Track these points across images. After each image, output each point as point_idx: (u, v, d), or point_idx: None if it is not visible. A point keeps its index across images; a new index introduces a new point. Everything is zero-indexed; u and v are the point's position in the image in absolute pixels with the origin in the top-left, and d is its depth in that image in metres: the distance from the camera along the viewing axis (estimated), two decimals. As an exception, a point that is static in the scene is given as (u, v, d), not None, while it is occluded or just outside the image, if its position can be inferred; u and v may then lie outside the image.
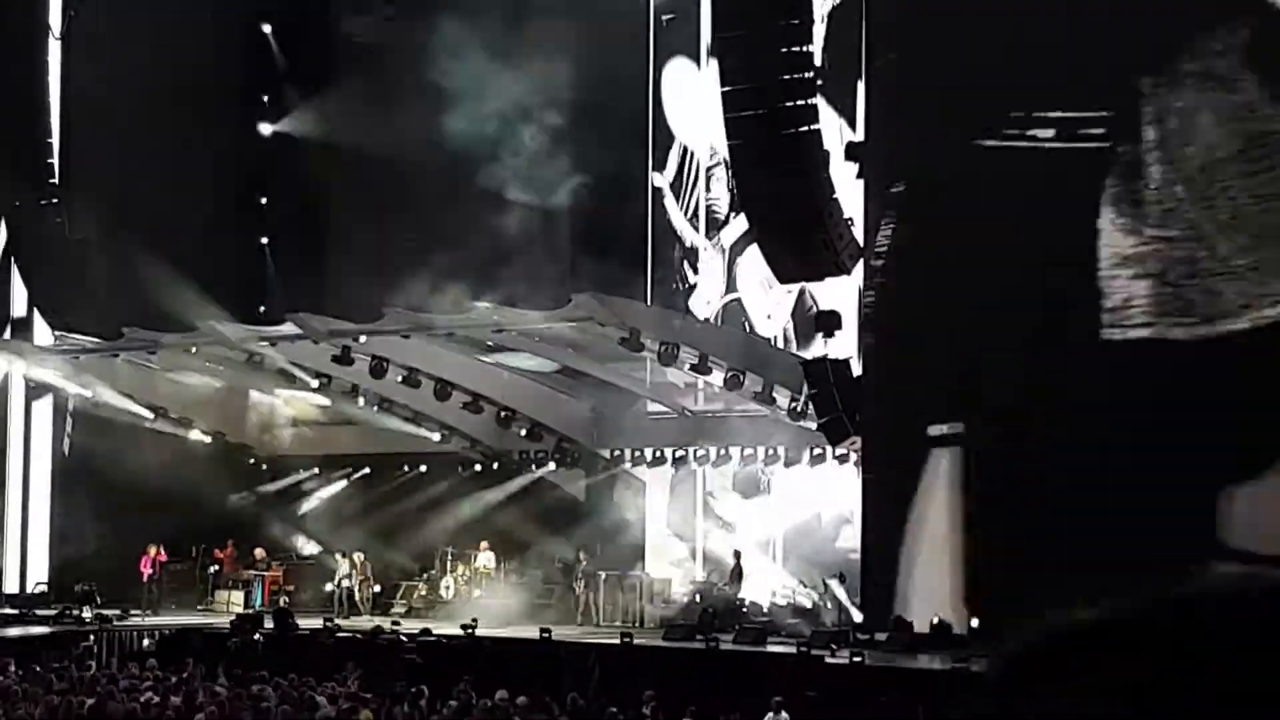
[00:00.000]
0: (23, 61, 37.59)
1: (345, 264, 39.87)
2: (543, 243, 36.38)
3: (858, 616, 29.89)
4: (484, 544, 36.36)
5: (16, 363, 37.60)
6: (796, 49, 27.81)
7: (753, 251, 31.88)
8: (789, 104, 27.66)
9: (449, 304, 32.93)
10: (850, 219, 28.72)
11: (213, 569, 38.19)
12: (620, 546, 35.47)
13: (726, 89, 28.06)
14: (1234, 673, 1.12)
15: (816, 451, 32.30)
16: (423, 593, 36.74)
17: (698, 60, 36.19)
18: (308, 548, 38.97)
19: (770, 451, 33.60)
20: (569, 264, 36.14)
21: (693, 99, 35.81)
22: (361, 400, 36.85)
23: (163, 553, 36.66)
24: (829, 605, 31.15)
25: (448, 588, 36.08)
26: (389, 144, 38.21)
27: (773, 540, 34.22)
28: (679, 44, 36.85)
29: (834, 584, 31.15)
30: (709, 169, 36.21)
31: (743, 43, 28.14)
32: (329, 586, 36.21)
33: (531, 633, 30.77)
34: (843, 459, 31.47)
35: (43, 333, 37.79)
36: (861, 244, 28.76)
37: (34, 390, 38.28)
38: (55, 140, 37.47)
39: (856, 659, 26.12)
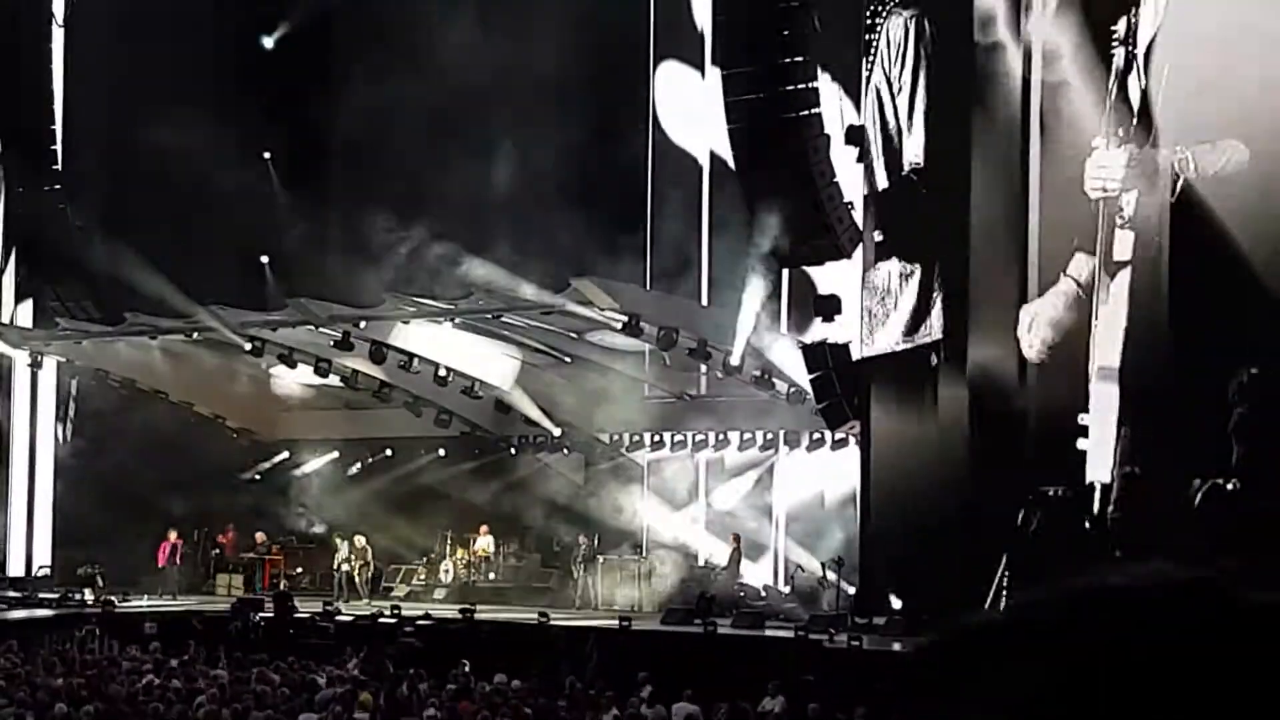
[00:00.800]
0: (27, 49, 37.30)
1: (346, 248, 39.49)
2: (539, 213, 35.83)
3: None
4: (483, 528, 36.35)
5: (19, 347, 37.27)
6: (795, 33, 27.51)
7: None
8: (789, 87, 27.36)
9: (453, 285, 32.64)
10: (850, 203, 28.33)
11: (214, 552, 37.94)
12: (619, 531, 35.15)
13: (727, 74, 27.74)
14: (1121, 672, 1.07)
15: (816, 436, 32.15)
16: (422, 576, 36.51)
17: (701, 65, 35.81)
18: (309, 531, 38.52)
19: (769, 436, 33.42)
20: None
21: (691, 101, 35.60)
22: (360, 385, 36.55)
23: (180, 540, 36.73)
24: (827, 589, 30.79)
25: (447, 571, 35.94)
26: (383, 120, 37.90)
27: (773, 524, 33.93)
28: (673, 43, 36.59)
29: (832, 567, 30.77)
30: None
31: (742, 27, 27.83)
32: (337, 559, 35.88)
33: (529, 616, 30.59)
34: (841, 443, 31.24)
35: (44, 317, 37.40)
36: (861, 227, 28.39)
37: (37, 374, 37.86)
38: (59, 129, 37.18)
39: (854, 643, 25.93)
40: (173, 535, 36.73)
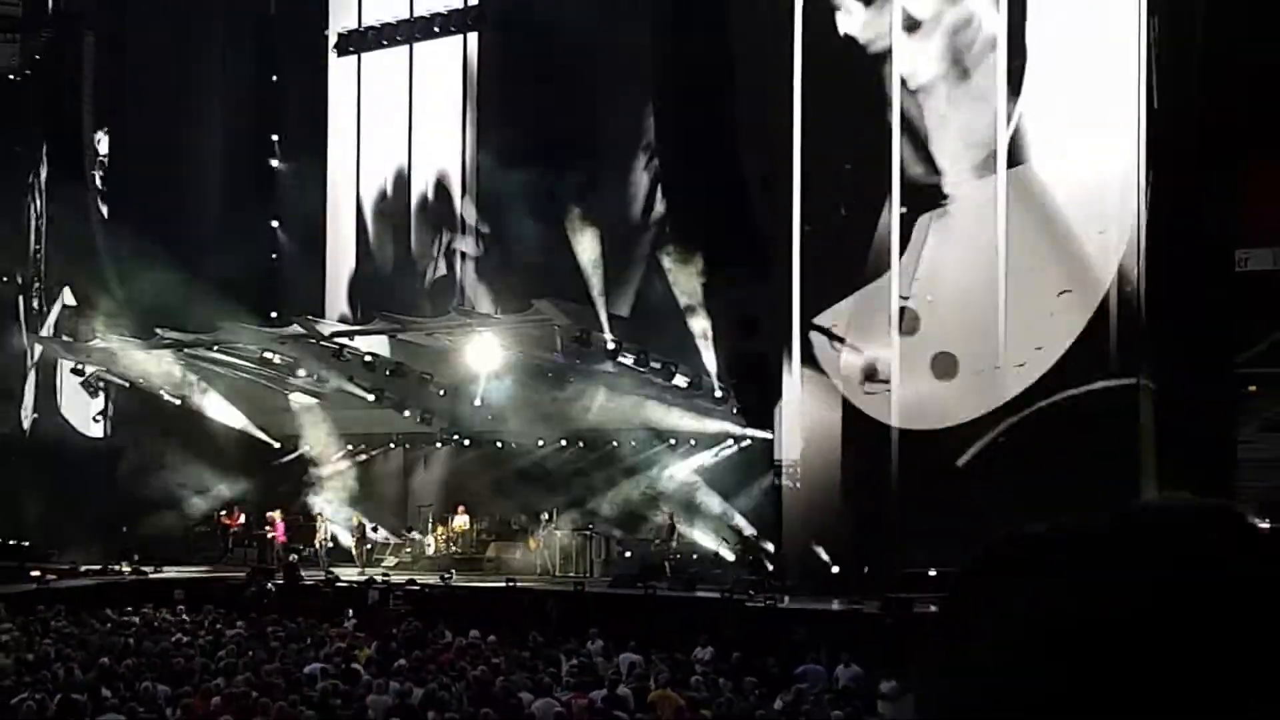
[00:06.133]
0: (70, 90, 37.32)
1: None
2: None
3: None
4: (460, 508, 36.21)
5: (64, 358, 37.13)
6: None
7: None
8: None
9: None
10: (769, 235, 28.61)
11: (233, 531, 37.72)
12: (579, 510, 34.92)
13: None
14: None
15: (738, 433, 32.15)
16: (408, 549, 36.43)
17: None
18: (314, 509, 38.28)
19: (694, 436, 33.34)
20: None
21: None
22: (357, 389, 36.44)
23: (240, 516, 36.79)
24: (750, 557, 30.83)
25: (429, 545, 35.87)
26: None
27: (704, 503, 33.78)
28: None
29: (753, 538, 30.84)
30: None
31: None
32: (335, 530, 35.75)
33: (499, 582, 30.61)
34: (760, 440, 31.21)
35: (86, 330, 37.23)
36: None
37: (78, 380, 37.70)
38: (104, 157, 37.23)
39: (771, 601, 26.01)
40: (237, 511, 36.85)
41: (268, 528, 36.40)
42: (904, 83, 27.29)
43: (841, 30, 27.94)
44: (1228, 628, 0.98)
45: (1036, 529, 1.08)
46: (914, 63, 27.27)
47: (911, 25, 27.25)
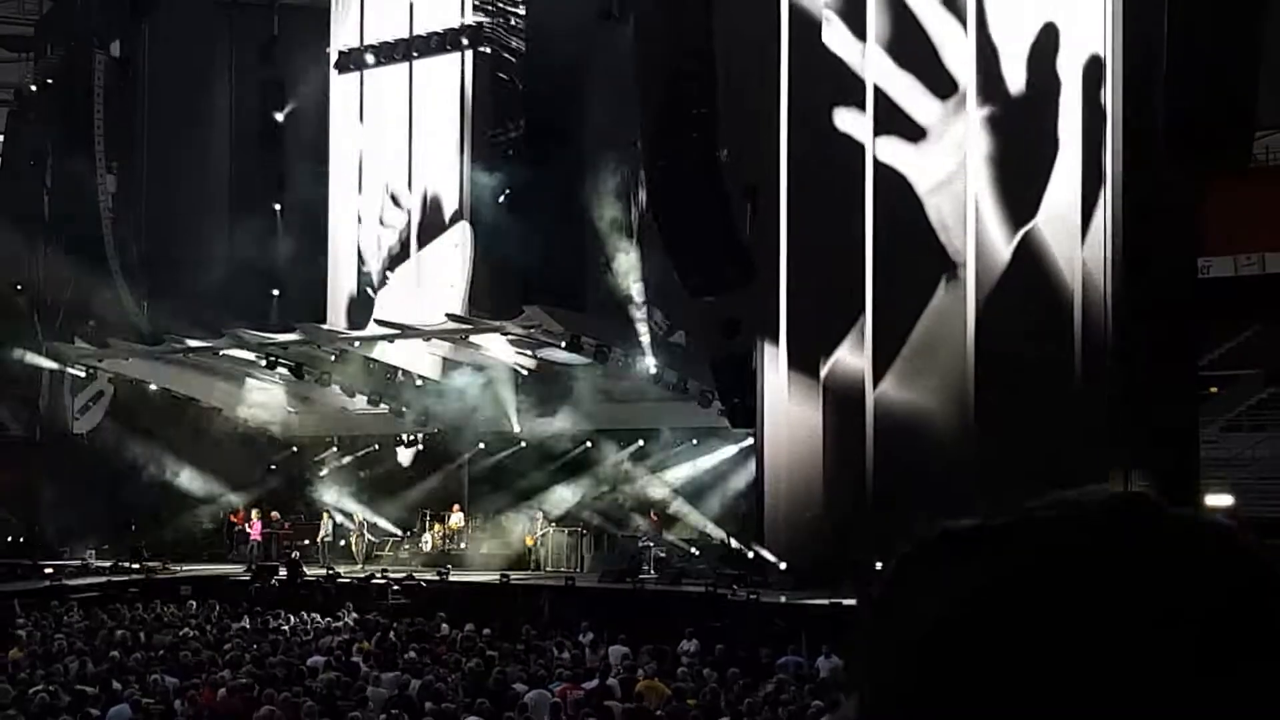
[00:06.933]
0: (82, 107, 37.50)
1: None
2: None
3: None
4: (456, 506, 36.32)
5: (77, 363, 37.27)
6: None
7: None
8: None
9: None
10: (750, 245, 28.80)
11: (239, 530, 37.82)
12: (570, 507, 35.06)
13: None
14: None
15: (721, 432, 32.23)
16: (406, 546, 36.54)
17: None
18: (316, 507, 38.39)
19: (680, 433, 33.45)
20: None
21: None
22: (356, 392, 36.54)
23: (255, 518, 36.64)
24: (733, 553, 30.99)
25: (426, 542, 35.99)
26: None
27: (690, 501, 33.93)
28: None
29: (734, 538, 31.01)
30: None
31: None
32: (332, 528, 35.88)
33: (493, 577, 30.75)
34: (740, 439, 31.37)
35: (96, 337, 37.42)
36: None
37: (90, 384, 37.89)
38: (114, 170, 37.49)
39: (753, 596, 26.18)
40: (253, 513, 36.67)
41: (248, 525, 36.53)
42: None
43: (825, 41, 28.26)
44: (1130, 619, 0.94)
45: (958, 525, 1.04)
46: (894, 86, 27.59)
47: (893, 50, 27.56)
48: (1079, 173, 25.64)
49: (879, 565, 22.69)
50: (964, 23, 26.85)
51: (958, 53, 27.00)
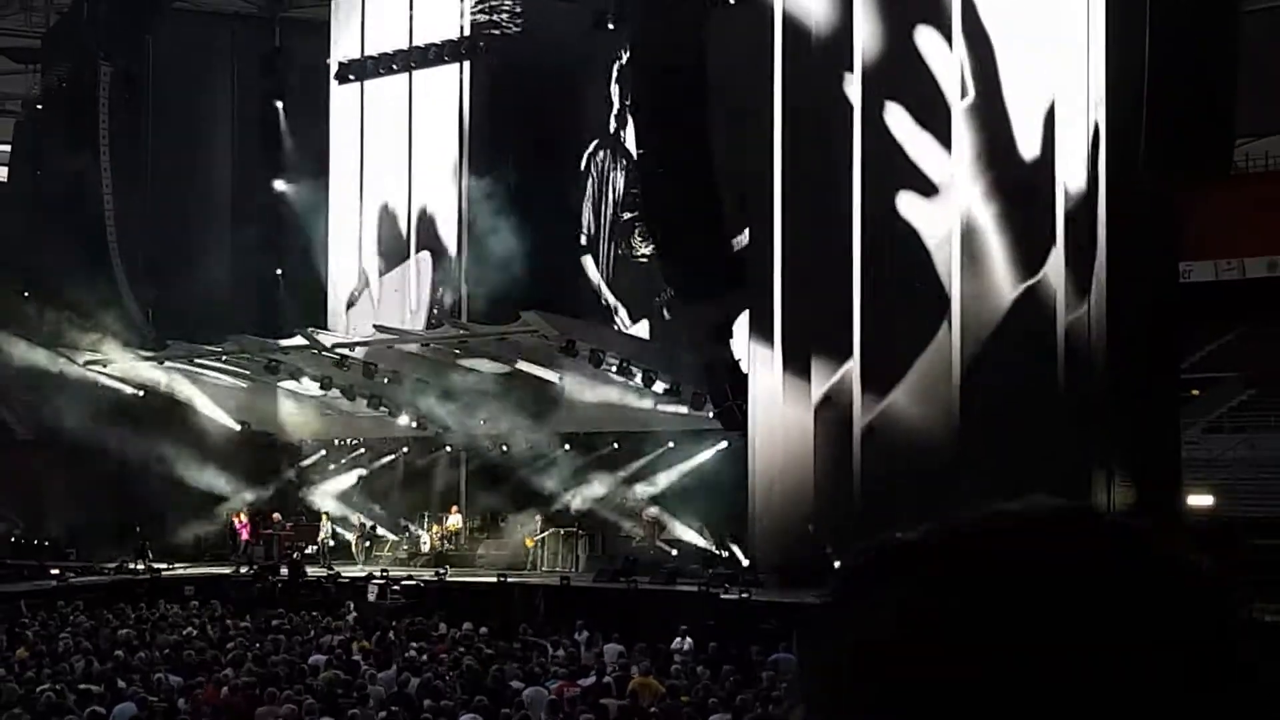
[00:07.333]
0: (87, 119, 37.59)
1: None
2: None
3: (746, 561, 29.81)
4: (454, 508, 36.32)
5: (80, 366, 37.30)
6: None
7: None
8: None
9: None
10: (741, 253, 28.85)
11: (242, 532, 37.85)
12: (566, 509, 35.09)
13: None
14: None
15: (712, 435, 32.21)
16: (405, 547, 36.58)
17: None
18: (316, 508, 38.38)
19: (673, 436, 33.44)
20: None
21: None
22: (356, 396, 36.54)
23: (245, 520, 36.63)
24: (725, 553, 31.04)
25: (424, 543, 36.02)
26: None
27: (683, 502, 33.93)
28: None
29: (727, 537, 31.03)
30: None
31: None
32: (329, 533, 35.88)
33: (490, 577, 30.78)
34: (734, 440, 31.34)
35: (101, 341, 37.42)
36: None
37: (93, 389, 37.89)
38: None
39: (744, 595, 26.23)
40: (244, 516, 36.62)
41: (237, 524, 36.56)
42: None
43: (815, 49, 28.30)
44: (1071, 632, 0.92)
45: (909, 535, 1.03)
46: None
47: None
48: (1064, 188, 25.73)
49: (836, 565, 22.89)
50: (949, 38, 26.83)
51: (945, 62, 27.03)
